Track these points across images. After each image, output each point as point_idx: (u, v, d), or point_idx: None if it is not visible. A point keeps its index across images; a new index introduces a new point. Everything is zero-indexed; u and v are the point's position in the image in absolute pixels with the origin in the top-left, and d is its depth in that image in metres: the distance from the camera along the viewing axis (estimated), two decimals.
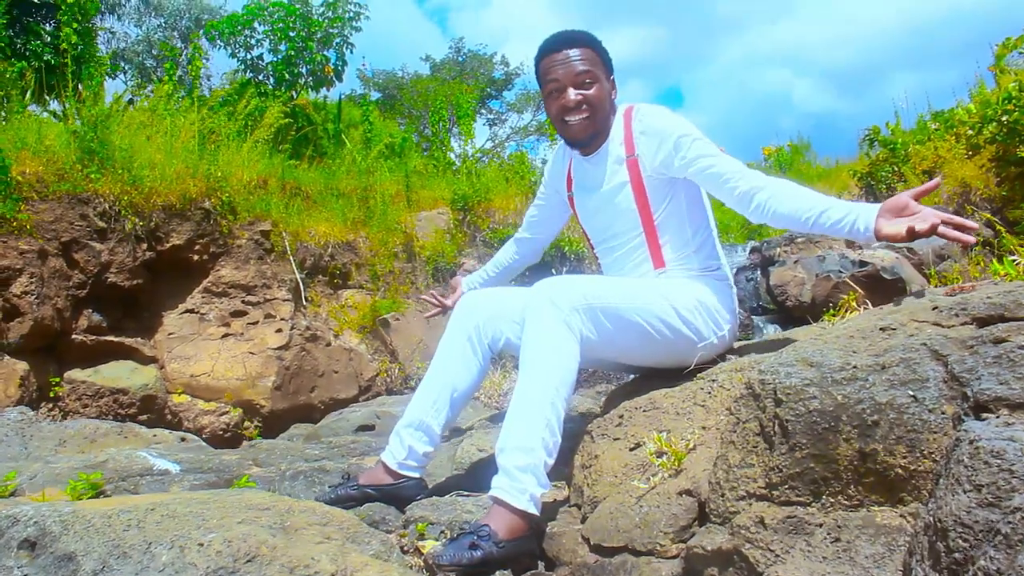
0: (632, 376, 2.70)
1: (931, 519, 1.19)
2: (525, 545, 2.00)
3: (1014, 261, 1.97)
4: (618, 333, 2.25)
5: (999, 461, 1.12)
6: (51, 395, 4.83)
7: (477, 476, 2.59)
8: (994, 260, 2.04)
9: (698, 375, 2.26)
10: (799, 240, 7.06)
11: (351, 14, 7.71)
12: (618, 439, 2.20)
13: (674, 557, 1.73)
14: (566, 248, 6.83)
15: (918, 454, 1.35)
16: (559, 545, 2.03)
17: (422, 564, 2.00)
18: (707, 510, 1.62)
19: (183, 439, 3.70)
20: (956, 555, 1.10)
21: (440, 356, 2.54)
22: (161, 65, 8.04)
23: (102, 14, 6.45)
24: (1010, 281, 1.80)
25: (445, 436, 2.67)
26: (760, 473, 1.51)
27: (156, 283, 5.46)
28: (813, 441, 1.43)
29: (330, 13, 7.66)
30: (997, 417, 1.25)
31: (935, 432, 1.34)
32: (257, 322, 5.63)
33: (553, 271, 6.71)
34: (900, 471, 1.36)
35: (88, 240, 5.05)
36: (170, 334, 5.46)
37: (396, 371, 5.92)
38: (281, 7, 7.38)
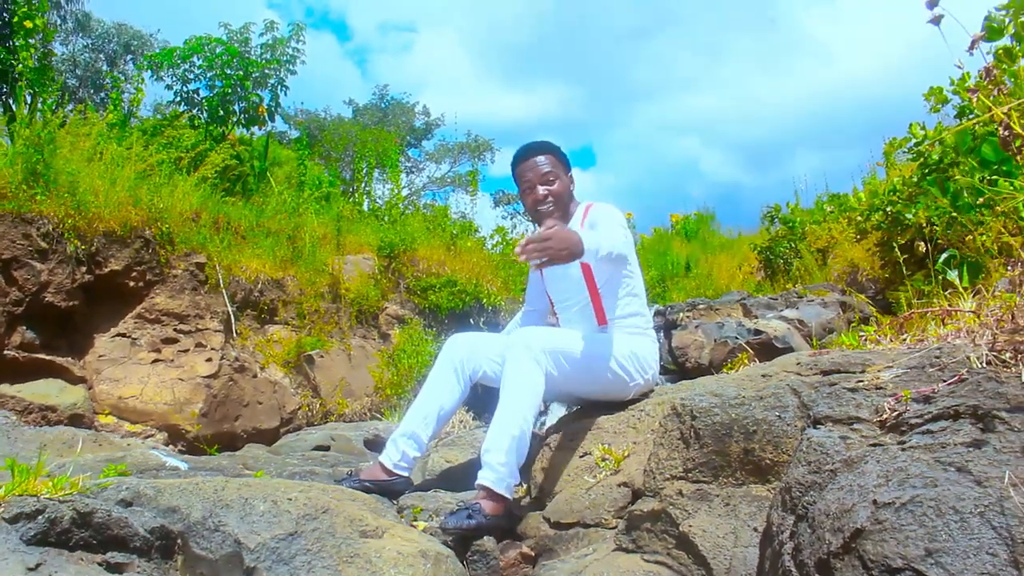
0: (578, 407, 3.74)
1: (784, 484, 2.22)
2: (503, 521, 3.02)
3: (857, 335, 3.08)
4: (573, 372, 3.31)
5: (821, 448, 2.15)
6: None
7: (446, 479, 3.62)
8: (842, 334, 3.14)
9: (630, 407, 3.31)
10: (700, 306, 8.21)
11: (288, 57, 8.56)
12: (571, 450, 3.25)
13: (614, 527, 2.75)
14: (485, 300, 7.79)
15: (780, 451, 2.39)
16: (525, 524, 3.04)
17: (421, 531, 2.96)
18: (643, 489, 2.64)
19: (154, 447, 4.48)
20: (795, 500, 2.13)
21: (431, 382, 3.52)
22: (84, 85, 8.65)
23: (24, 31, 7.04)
24: (849, 348, 2.90)
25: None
26: (680, 463, 2.53)
27: (92, 305, 6.08)
28: (715, 442, 2.47)
29: (268, 55, 8.47)
30: (824, 427, 2.30)
31: (791, 438, 2.39)
32: (188, 350, 6.35)
33: (471, 321, 7.69)
34: (768, 461, 2.40)
35: (29, 259, 5.65)
36: (100, 356, 6.10)
37: (317, 406, 6.73)
38: (221, 43, 8.16)
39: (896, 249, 7.06)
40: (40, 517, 2.35)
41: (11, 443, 4.21)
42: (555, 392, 3.55)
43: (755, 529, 2.34)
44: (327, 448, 4.70)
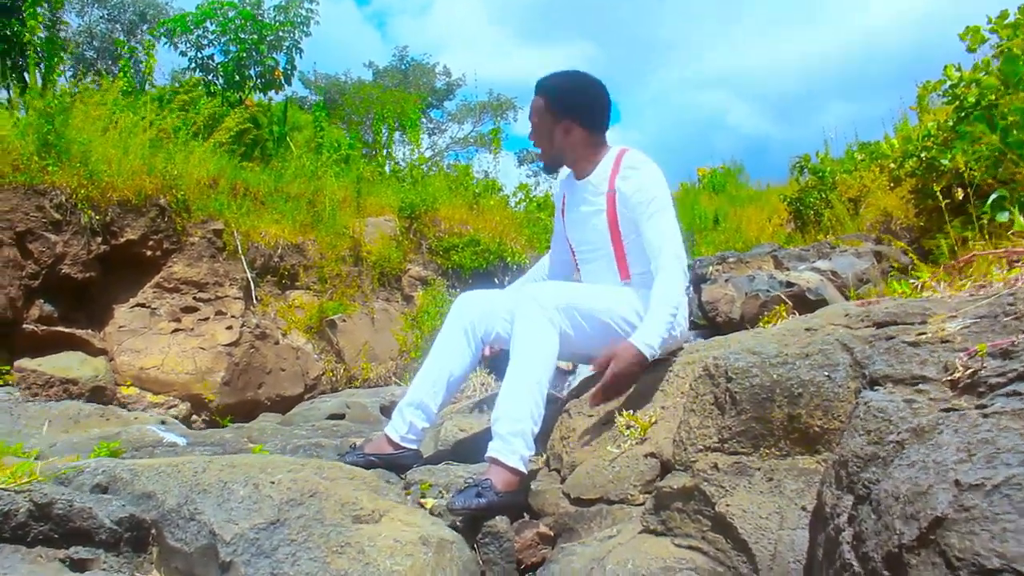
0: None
1: (837, 457, 1.81)
2: (518, 497, 2.61)
3: (910, 282, 2.65)
4: (590, 329, 2.88)
5: (882, 414, 1.74)
6: (1, 383, 5.12)
7: (460, 450, 3.22)
8: (893, 280, 2.71)
9: (656, 367, 2.89)
10: (730, 260, 7.77)
11: (302, 19, 8.17)
12: (591, 416, 2.83)
13: (641, 504, 2.34)
14: (508, 259, 7.41)
15: (830, 416, 1.97)
16: (543, 500, 2.63)
17: (426, 513, 2.58)
18: (673, 461, 2.23)
19: (163, 421, 4.16)
20: (852, 476, 1.72)
21: (439, 346, 3.11)
22: (102, 57, 8.33)
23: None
24: (903, 297, 2.47)
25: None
26: (714, 432, 2.12)
27: (108, 276, 5.81)
28: (754, 408, 2.05)
29: (281, 17, 8.09)
30: (884, 389, 1.88)
31: (842, 401, 1.97)
32: (208, 318, 6.05)
33: (495, 280, 7.30)
34: (817, 429, 1.98)
35: (43, 231, 5.38)
36: (120, 327, 5.82)
37: (341, 371, 6.40)
38: (233, 7, 7.79)
39: (935, 195, 6.58)
40: None
41: (14, 420, 3.91)
42: (571, 353, 3.12)
43: (803, 508, 1.93)
44: (342, 416, 4.35)
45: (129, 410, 5.57)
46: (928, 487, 1.43)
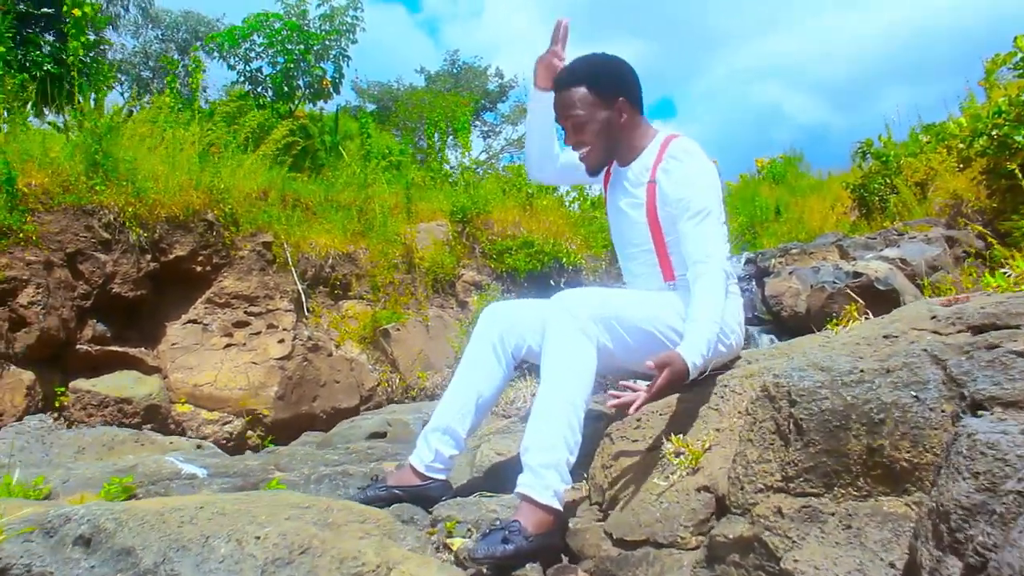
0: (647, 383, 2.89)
1: (934, 504, 1.37)
2: (552, 539, 2.19)
3: (1005, 274, 2.16)
4: (632, 341, 2.44)
5: (994, 451, 1.29)
6: (56, 404, 4.90)
7: (497, 478, 2.78)
8: (987, 272, 2.23)
9: (710, 381, 2.44)
10: (793, 251, 7.27)
11: (347, 27, 7.89)
12: (636, 440, 2.39)
13: (694, 548, 1.91)
14: (564, 260, 7.01)
15: (921, 448, 1.53)
16: (582, 540, 2.21)
17: (452, 559, 2.17)
18: (727, 502, 1.79)
19: (199, 446, 3.86)
20: (957, 534, 1.28)
21: (465, 364, 2.70)
22: (158, 76, 8.18)
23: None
24: (1001, 292, 1.99)
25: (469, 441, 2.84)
26: (777, 467, 1.68)
27: (159, 294, 5.58)
28: (825, 438, 1.61)
29: (327, 26, 7.82)
30: (991, 414, 1.43)
31: (935, 428, 1.52)
32: (260, 332, 5.77)
33: (551, 282, 6.89)
34: (905, 464, 1.54)
35: (93, 251, 5.16)
36: (173, 344, 5.58)
37: (397, 381, 6.07)
38: (279, 19, 7.54)
39: (1010, 174, 6.00)
40: None
41: (45, 449, 3.63)
42: (612, 368, 2.66)
43: (891, 565, 1.49)
44: (383, 435, 3.99)
45: (184, 429, 5.33)
46: None
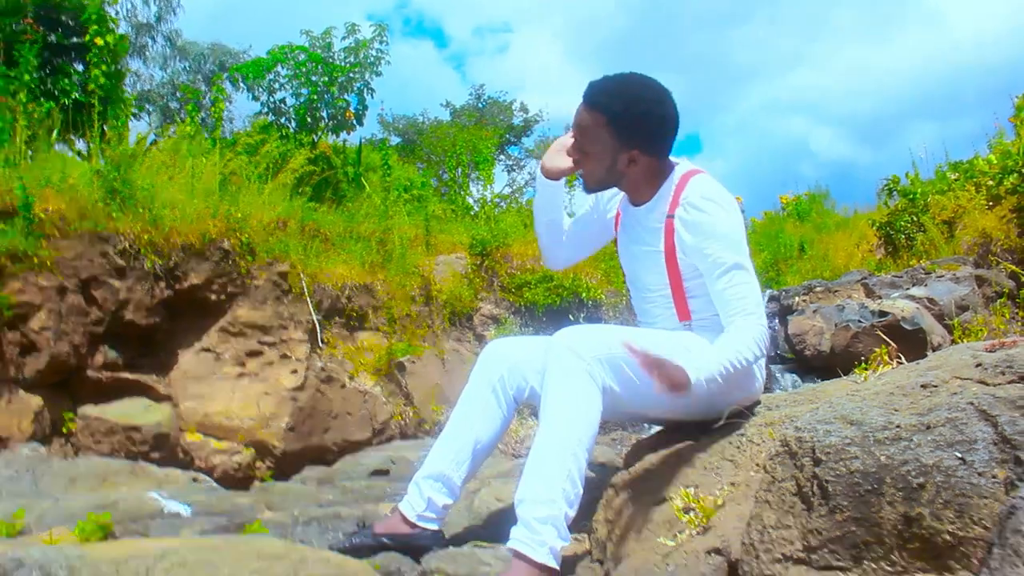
0: (656, 428, 2.64)
1: None
2: None
3: None
4: (642, 385, 2.17)
5: None
6: (64, 430, 4.77)
7: (495, 526, 2.52)
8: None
9: (724, 431, 2.18)
10: (818, 289, 7.02)
11: (372, 59, 7.78)
12: (644, 493, 2.13)
13: None
14: (584, 295, 6.80)
15: (967, 519, 1.28)
16: None
17: None
18: (740, 572, 1.54)
19: (195, 479, 3.66)
20: None
21: (463, 406, 2.47)
22: (184, 107, 8.14)
23: (129, 56, 6.55)
24: None
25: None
26: (798, 535, 1.43)
27: (173, 321, 5.43)
28: (855, 503, 1.36)
29: (351, 59, 7.73)
30: None
31: (985, 497, 1.27)
32: (272, 362, 5.59)
33: (571, 317, 6.66)
34: (948, 537, 1.28)
35: (107, 278, 5.03)
36: (185, 372, 5.41)
37: (411, 414, 5.86)
38: (304, 51, 7.46)
39: None
40: None
41: (35, 480, 3.44)
42: (617, 412, 2.38)
43: None
44: (386, 472, 3.76)
45: (193, 459, 5.14)
46: None
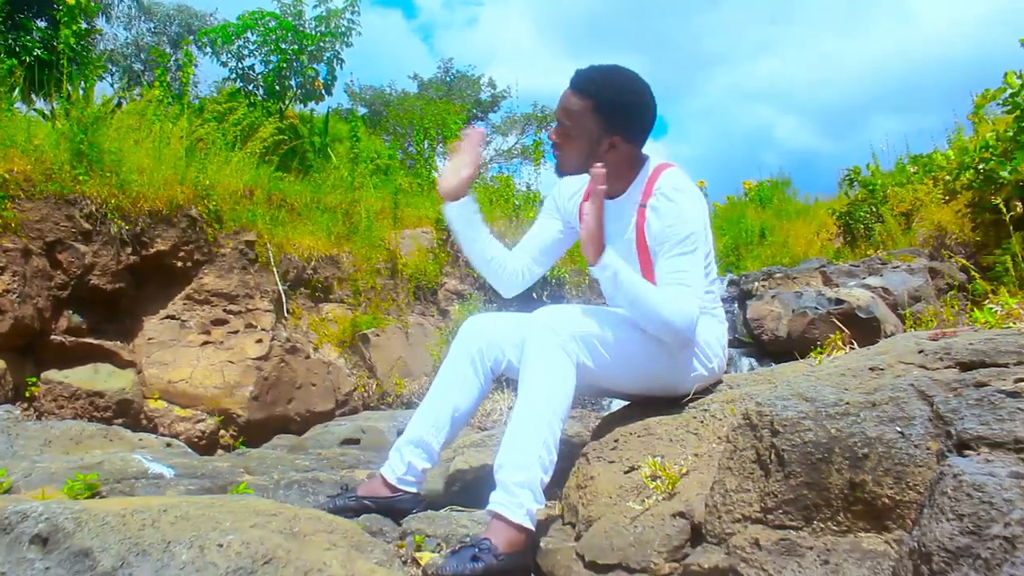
0: (620, 404, 2.84)
1: (916, 544, 1.33)
2: (522, 558, 2.14)
3: (992, 309, 2.13)
4: (613, 361, 2.39)
5: (980, 494, 1.25)
6: (27, 395, 4.83)
7: (470, 492, 2.73)
8: (975, 309, 2.20)
9: (690, 405, 2.40)
10: (777, 275, 7.27)
11: (343, 29, 7.83)
12: (613, 462, 2.34)
13: (666, 575, 1.85)
14: (548, 274, 6.96)
15: (904, 485, 1.48)
16: (553, 561, 2.15)
17: (420, 574, 2.12)
18: (704, 531, 1.75)
19: (168, 444, 3.78)
20: (938, 574, 1.23)
21: (442, 377, 2.64)
22: (149, 69, 8.10)
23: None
24: (989, 328, 1.96)
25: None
26: (756, 498, 1.64)
27: (138, 288, 5.50)
28: (807, 470, 1.57)
29: (322, 28, 7.77)
30: (978, 454, 1.39)
31: (920, 466, 1.48)
32: (238, 331, 5.70)
33: (534, 295, 6.84)
34: (887, 500, 1.49)
35: (73, 241, 5.08)
36: (150, 339, 5.50)
37: (374, 387, 6.01)
38: (274, 18, 7.49)
39: (994, 209, 6.01)
40: None
41: (10, 441, 3.54)
42: (591, 387, 2.60)
43: None
44: (357, 441, 3.93)
45: (156, 425, 5.24)
46: None
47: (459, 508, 2.57)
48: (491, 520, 2.15)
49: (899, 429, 1.53)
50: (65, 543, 1.91)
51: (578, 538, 2.20)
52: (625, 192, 2.63)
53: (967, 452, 1.41)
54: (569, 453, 2.51)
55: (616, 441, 2.41)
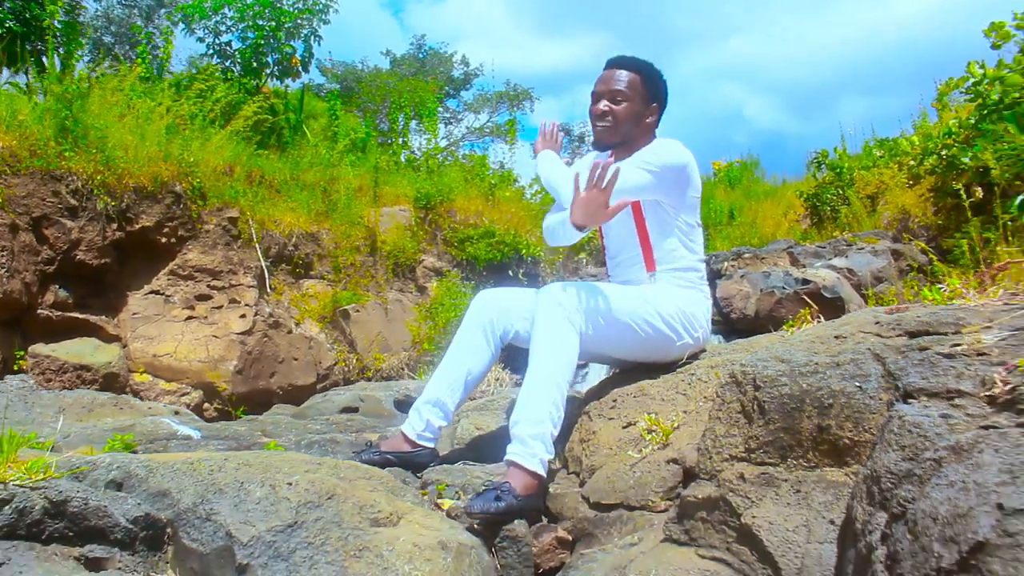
0: (619, 370, 3.29)
1: (869, 471, 1.76)
2: (536, 501, 2.58)
3: (940, 288, 2.59)
4: (611, 331, 2.83)
5: (918, 430, 1.68)
6: (15, 368, 5.09)
7: (477, 449, 3.18)
8: (925, 287, 2.65)
9: (678, 370, 2.84)
10: (746, 255, 7.73)
11: (321, 6, 8.11)
12: (612, 419, 2.78)
13: (663, 511, 2.30)
14: (523, 251, 7.36)
15: (861, 429, 1.92)
16: (562, 503, 2.59)
17: (444, 515, 2.54)
18: (696, 470, 2.18)
19: (176, 412, 4.12)
20: (886, 493, 1.67)
21: (457, 344, 3.06)
22: (120, 42, 8.28)
23: None
24: (935, 305, 2.41)
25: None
26: (741, 441, 2.08)
27: (123, 263, 5.78)
28: (783, 417, 2.00)
29: (300, 4, 8.03)
30: (919, 402, 1.83)
31: (874, 413, 1.92)
32: (221, 306, 6.02)
33: (510, 272, 7.25)
34: (847, 441, 1.93)
35: (59, 217, 5.35)
36: (135, 314, 5.80)
37: (354, 361, 6.37)
38: None
39: (955, 193, 6.51)
40: (7, 508, 1.96)
41: (28, 408, 3.87)
42: (591, 353, 3.07)
43: (832, 522, 1.88)
44: (355, 410, 4.31)
45: (142, 398, 5.55)
46: (969, 509, 1.38)
47: (470, 462, 2.99)
48: (508, 468, 2.58)
49: (858, 384, 1.97)
50: (140, 487, 2.30)
51: (582, 484, 2.64)
52: (631, 155, 3.09)
53: (910, 400, 1.85)
54: (570, 413, 2.93)
55: (615, 401, 2.86)
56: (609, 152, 3.22)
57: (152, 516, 2.15)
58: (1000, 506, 1.34)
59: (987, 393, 1.73)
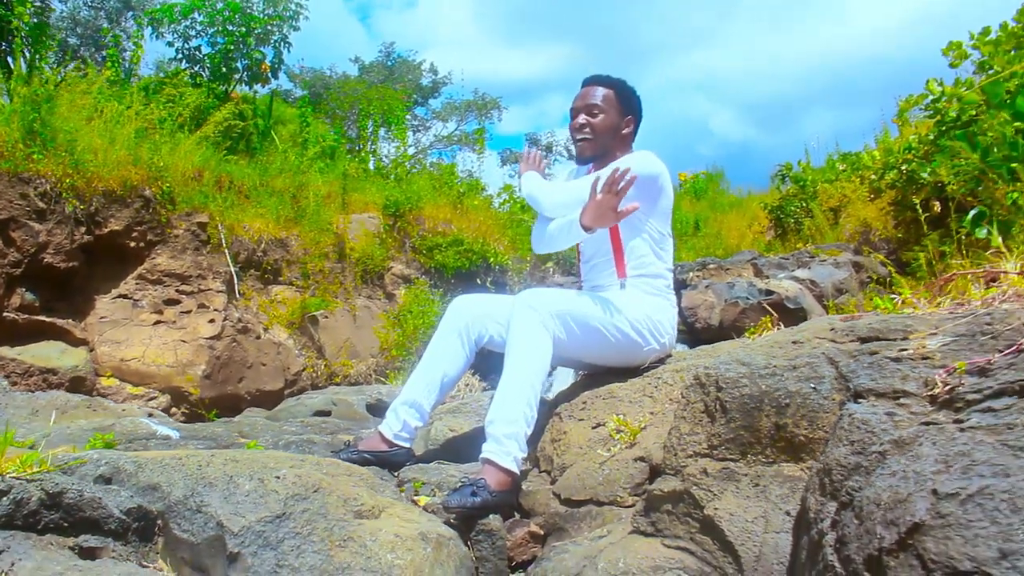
0: (588, 373, 3.47)
1: (822, 465, 1.94)
2: (510, 496, 2.75)
3: (892, 298, 2.79)
4: (582, 335, 3.01)
5: (866, 426, 1.87)
6: None
7: (450, 450, 3.34)
8: (875, 296, 2.86)
9: (645, 374, 3.02)
10: (711, 266, 7.95)
11: (291, 13, 8.22)
12: (582, 420, 2.96)
13: (630, 506, 2.47)
14: (491, 260, 7.52)
15: (815, 426, 2.11)
16: (534, 500, 2.76)
17: (422, 510, 2.69)
18: (662, 466, 2.36)
19: (150, 414, 4.23)
20: (836, 484, 1.85)
21: (433, 347, 3.22)
22: (85, 44, 8.32)
23: None
24: (887, 313, 2.61)
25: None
26: (704, 439, 2.25)
27: (91, 267, 5.86)
28: (743, 416, 2.18)
29: (270, 11, 8.14)
30: (867, 401, 2.01)
31: (827, 412, 2.11)
32: (190, 311, 6.12)
33: (478, 280, 7.41)
34: (802, 438, 2.12)
35: (27, 219, 5.41)
36: (102, 318, 5.88)
37: (322, 367, 6.49)
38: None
39: (914, 208, 6.78)
40: (5, 498, 2.09)
41: (1, 409, 3.96)
42: (563, 357, 3.23)
43: (788, 513, 2.07)
44: (328, 413, 4.45)
45: (112, 402, 5.63)
46: (908, 495, 1.56)
47: (445, 462, 3.15)
48: (484, 465, 2.74)
49: (813, 385, 2.15)
50: (130, 481, 2.43)
51: (554, 482, 2.81)
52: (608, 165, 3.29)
53: (860, 400, 2.04)
54: (542, 415, 3.10)
55: (584, 403, 3.04)
56: (590, 166, 3.42)
57: (144, 508, 2.28)
58: (935, 491, 1.52)
59: (929, 393, 1.93)
